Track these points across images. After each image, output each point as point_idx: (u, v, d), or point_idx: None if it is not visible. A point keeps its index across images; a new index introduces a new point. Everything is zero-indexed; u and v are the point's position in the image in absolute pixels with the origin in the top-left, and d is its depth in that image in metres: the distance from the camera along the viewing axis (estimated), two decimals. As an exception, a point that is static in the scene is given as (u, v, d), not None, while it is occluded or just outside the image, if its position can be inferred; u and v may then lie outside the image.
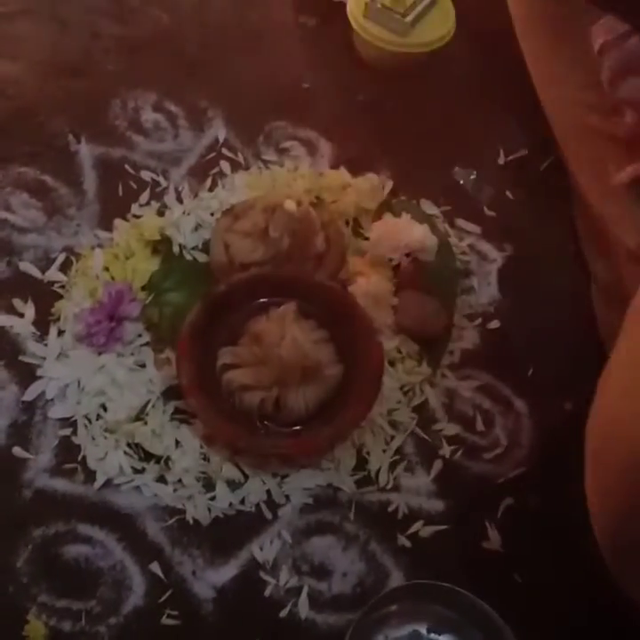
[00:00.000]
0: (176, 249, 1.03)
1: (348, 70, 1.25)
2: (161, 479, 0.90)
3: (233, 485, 0.90)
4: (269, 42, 1.27)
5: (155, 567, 0.86)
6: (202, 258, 1.03)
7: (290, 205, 0.96)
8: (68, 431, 0.91)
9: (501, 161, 1.19)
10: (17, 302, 0.98)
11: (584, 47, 0.99)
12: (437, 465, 0.95)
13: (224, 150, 1.14)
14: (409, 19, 1.19)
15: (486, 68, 1.26)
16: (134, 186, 1.09)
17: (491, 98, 1.24)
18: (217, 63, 1.22)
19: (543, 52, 1.10)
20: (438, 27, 1.22)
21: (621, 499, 0.67)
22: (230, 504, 0.89)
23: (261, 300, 0.96)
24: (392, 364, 0.99)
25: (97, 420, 0.92)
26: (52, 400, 0.93)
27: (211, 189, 1.09)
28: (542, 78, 1.12)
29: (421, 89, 1.24)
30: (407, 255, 1.03)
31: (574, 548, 0.88)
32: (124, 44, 1.22)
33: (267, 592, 0.86)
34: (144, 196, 1.08)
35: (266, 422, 0.92)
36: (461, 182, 1.17)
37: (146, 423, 0.91)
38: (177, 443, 0.91)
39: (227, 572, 0.87)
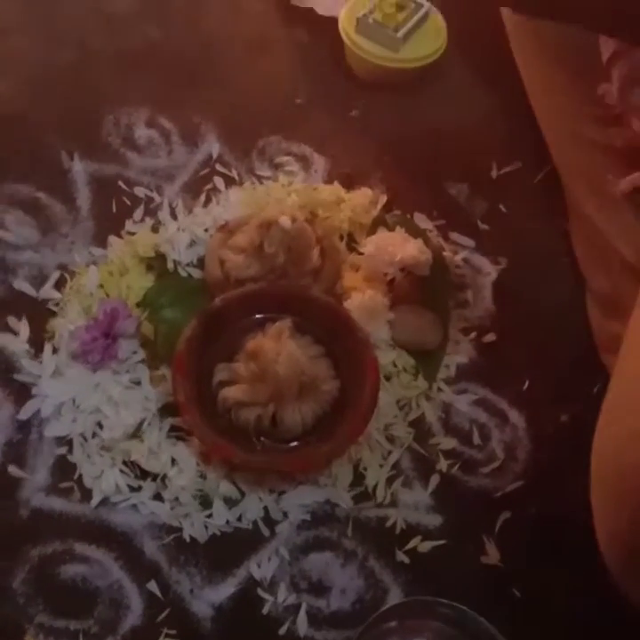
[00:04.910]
0: (171, 265, 1.03)
1: (341, 86, 1.25)
2: (157, 497, 0.89)
3: (230, 503, 0.90)
4: (261, 57, 1.27)
5: (152, 586, 0.85)
6: (197, 274, 1.03)
7: (285, 221, 0.96)
8: (63, 450, 0.91)
9: (494, 174, 1.19)
10: (11, 320, 0.98)
11: (583, 57, 0.99)
12: (434, 479, 0.95)
13: (218, 166, 1.14)
14: (400, 34, 1.19)
15: (478, 82, 1.26)
16: (128, 202, 1.09)
17: (483, 111, 1.24)
18: (209, 79, 1.22)
19: (539, 64, 1.10)
20: (430, 42, 1.22)
21: (627, 516, 0.66)
22: (227, 521, 0.89)
23: (257, 316, 0.96)
24: (388, 378, 0.98)
25: (93, 438, 0.91)
26: (47, 418, 0.92)
27: (205, 205, 1.10)
28: (538, 90, 1.12)
29: (414, 104, 1.24)
30: (402, 270, 1.02)
31: (573, 561, 0.88)
32: (116, 60, 1.22)
33: (265, 609, 0.86)
34: (138, 213, 1.08)
35: (262, 439, 0.91)
36: (455, 196, 1.17)
37: (142, 441, 0.91)
38: (173, 460, 0.91)
39: (225, 590, 0.86)
